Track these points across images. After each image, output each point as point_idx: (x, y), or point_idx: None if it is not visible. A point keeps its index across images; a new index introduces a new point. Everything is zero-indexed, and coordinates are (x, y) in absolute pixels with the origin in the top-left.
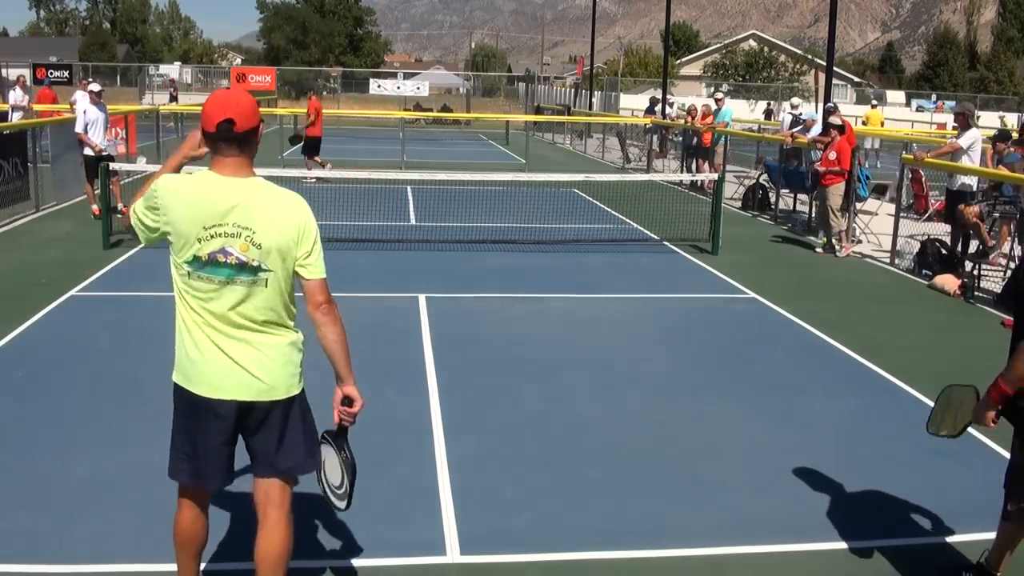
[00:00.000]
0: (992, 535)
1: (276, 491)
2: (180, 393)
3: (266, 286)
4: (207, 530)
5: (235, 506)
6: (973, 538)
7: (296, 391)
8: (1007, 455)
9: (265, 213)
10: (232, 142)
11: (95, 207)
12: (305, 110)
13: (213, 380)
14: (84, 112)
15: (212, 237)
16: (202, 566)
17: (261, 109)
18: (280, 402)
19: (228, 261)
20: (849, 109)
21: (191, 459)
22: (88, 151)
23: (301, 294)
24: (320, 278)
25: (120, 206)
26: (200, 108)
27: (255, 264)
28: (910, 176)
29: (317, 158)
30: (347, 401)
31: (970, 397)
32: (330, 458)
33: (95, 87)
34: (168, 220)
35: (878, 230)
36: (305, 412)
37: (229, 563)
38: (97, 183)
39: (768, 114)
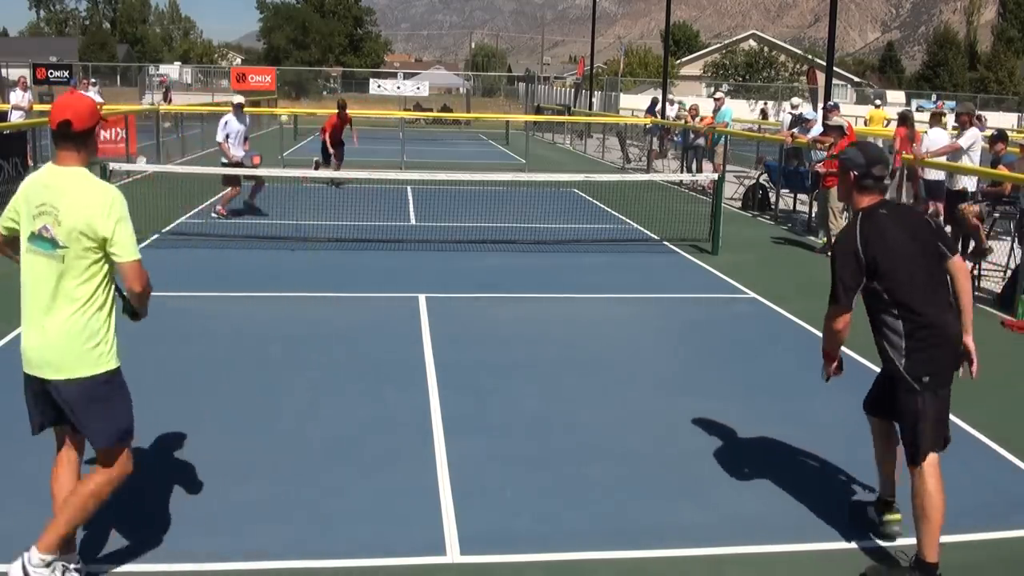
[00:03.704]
0: (990, 535)
1: (77, 443)
2: None
3: (63, 262)
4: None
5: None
6: (973, 538)
7: (90, 371)
8: (1008, 456)
9: (70, 196)
10: (67, 138)
11: (221, 208)
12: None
13: (29, 355)
14: (226, 123)
15: (37, 216)
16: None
17: (261, 109)
18: (74, 380)
19: (46, 236)
20: (849, 109)
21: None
22: (224, 159)
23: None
24: (130, 260)
25: (252, 202)
26: (200, 108)
27: (59, 241)
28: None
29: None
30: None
31: None
32: None
33: (239, 99)
34: (17, 207)
35: None
36: (106, 396)
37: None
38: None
39: (764, 114)
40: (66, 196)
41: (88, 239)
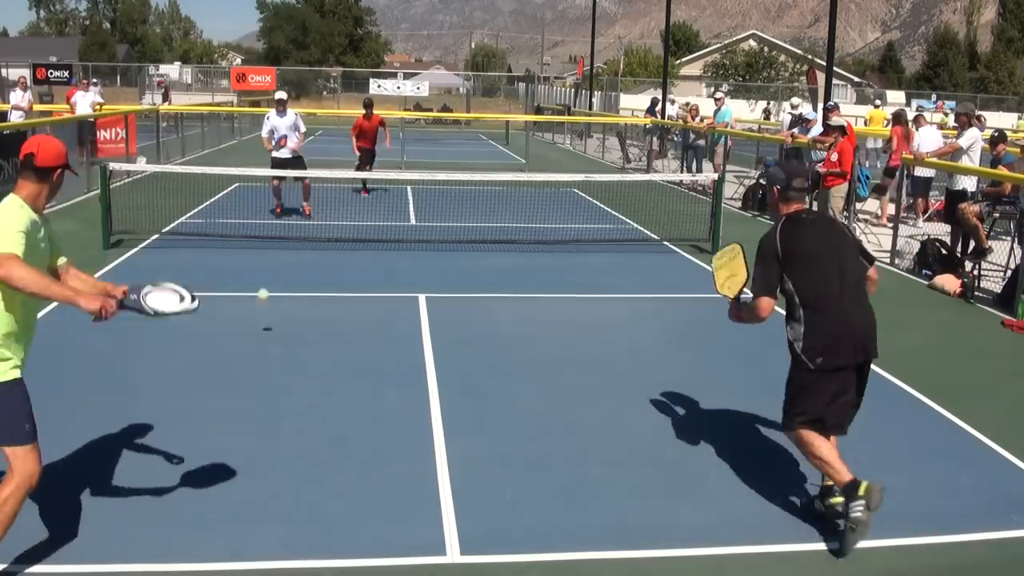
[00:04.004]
0: (990, 535)
1: None
2: None
3: None
4: None
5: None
6: (972, 538)
7: None
8: (1007, 455)
9: None
10: (26, 168)
11: (279, 204)
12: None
13: None
14: (267, 119)
15: None
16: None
17: (262, 109)
18: None
19: None
20: (849, 109)
21: None
22: (275, 154)
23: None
24: None
25: (305, 205)
26: (199, 108)
27: None
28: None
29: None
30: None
31: (740, 267)
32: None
33: (281, 95)
34: None
35: (878, 230)
36: None
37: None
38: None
39: (767, 113)
40: None
41: None
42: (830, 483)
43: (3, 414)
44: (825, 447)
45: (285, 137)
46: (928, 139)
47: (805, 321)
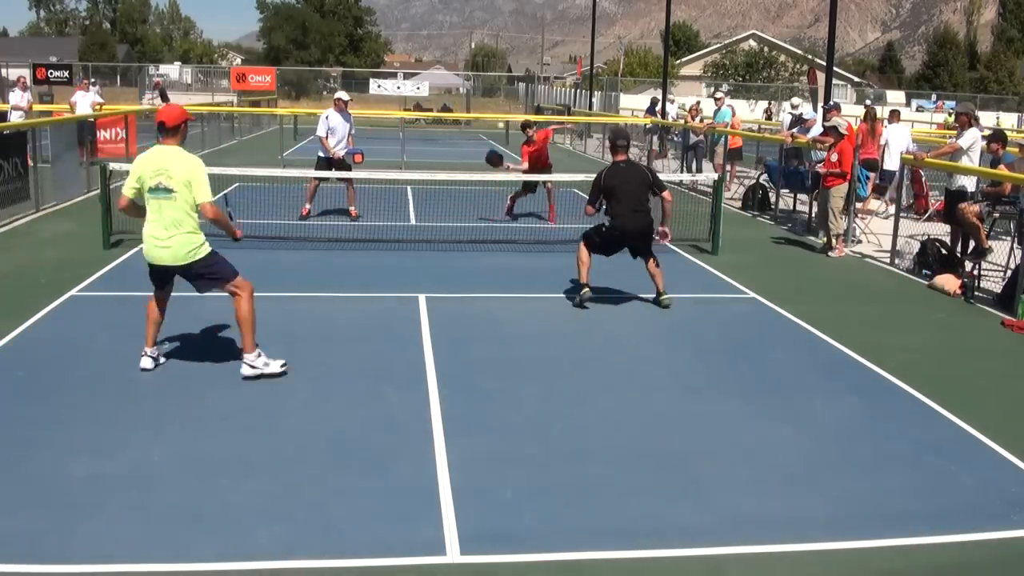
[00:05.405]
0: (990, 535)
1: (228, 294)
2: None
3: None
4: (164, 312)
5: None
6: (972, 538)
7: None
8: (1007, 455)
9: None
10: (163, 132)
11: (307, 207)
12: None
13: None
14: (326, 118)
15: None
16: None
17: (262, 109)
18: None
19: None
20: (849, 109)
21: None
22: (321, 153)
23: None
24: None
25: (351, 208)
26: (200, 107)
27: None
28: (909, 176)
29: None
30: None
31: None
32: None
33: (343, 95)
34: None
35: (878, 230)
36: (207, 265)
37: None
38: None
39: (768, 113)
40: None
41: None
42: (588, 283)
43: (224, 264)
44: (586, 257)
45: (361, 155)
46: (896, 135)
47: (607, 217)
